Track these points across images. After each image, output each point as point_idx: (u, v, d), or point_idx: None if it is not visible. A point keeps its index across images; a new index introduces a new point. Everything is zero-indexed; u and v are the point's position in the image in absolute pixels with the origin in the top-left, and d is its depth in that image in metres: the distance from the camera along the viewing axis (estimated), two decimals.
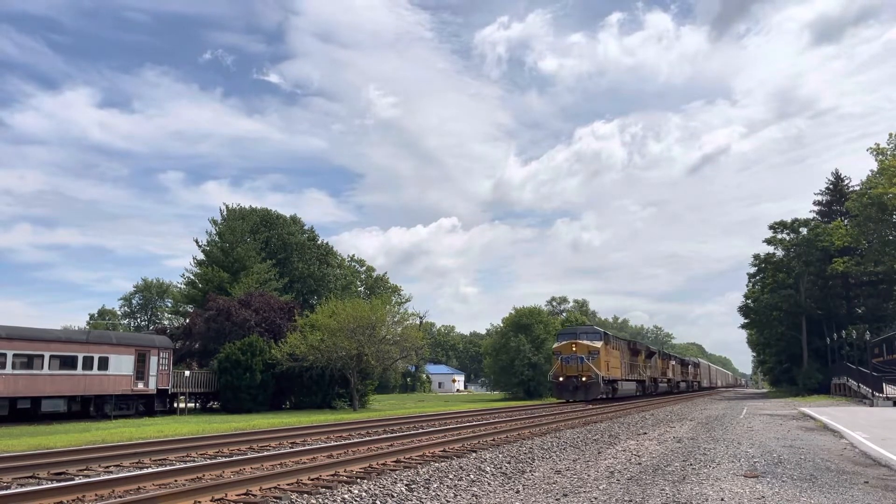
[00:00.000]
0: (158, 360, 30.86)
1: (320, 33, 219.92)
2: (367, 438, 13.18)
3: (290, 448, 11.60)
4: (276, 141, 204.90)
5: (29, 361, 25.68)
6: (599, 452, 11.88)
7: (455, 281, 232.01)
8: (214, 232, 50.54)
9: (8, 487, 7.51)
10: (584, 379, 36.10)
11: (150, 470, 8.57)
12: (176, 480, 8.05)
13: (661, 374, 55.73)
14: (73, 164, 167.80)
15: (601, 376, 36.74)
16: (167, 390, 31.57)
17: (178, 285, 56.37)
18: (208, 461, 9.61)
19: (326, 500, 7.12)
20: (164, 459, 10.05)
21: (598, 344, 38.14)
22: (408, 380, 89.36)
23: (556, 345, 40.86)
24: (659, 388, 53.72)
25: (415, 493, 7.59)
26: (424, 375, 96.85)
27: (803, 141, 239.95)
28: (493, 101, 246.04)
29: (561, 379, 36.82)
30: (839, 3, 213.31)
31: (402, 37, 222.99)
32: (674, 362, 65.28)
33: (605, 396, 38.62)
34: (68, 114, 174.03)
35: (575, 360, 36.95)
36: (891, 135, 49.77)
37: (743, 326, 73.70)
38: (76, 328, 66.44)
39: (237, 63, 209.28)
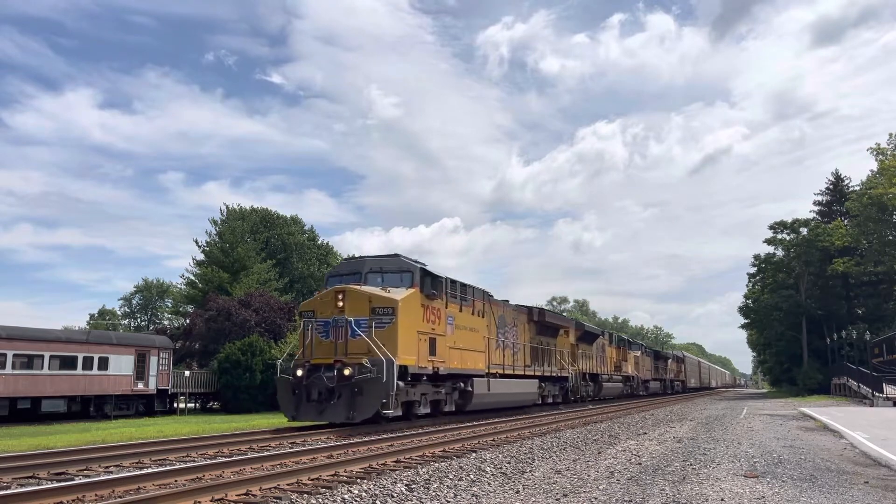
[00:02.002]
0: (158, 360, 30.88)
1: (323, 36, 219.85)
2: (367, 439, 13.19)
3: (290, 448, 11.60)
4: (277, 142, 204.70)
5: (29, 361, 25.69)
6: (599, 452, 11.88)
7: None
8: (214, 232, 50.56)
9: (8, 487, 7.51)
10: (346, 372, 15.88)
11: (150, 470, 8.57)
12: (176, 480, 8.05)
13: (611, 367, 40.08)
14: (74, 165, 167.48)
15: (409, 368, 17.09)
16: (167, 390, 31.58)
17: (179, 285, 56.36)
18: (208, 461, 9.61)
19: (326, 500, 7.12)
20: (164, 459, 10.05)
21: (407, 293, 17.40)
22: None
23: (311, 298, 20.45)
24: (605, 390, 37.13)
25: (415, 493, 7.59)
26: None
27: (802, 143, 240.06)
28: (493, 102, 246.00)
29: (299, 373, 16.39)
30: (840, 4, 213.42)
31: (404, 40, 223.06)
32: (638, 353, 48.35)
33: (424, 413, 18.39)
34: (70, 115, 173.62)
35: (338, 329, 16.62)
36: (891, 135, 49.82)
37: (743, 326, 73.81)
38: (77, 328, 66.43)
39: (239, 64, 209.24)
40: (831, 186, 63.47)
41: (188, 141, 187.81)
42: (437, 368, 18.23)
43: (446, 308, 19.11)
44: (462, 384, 19.93)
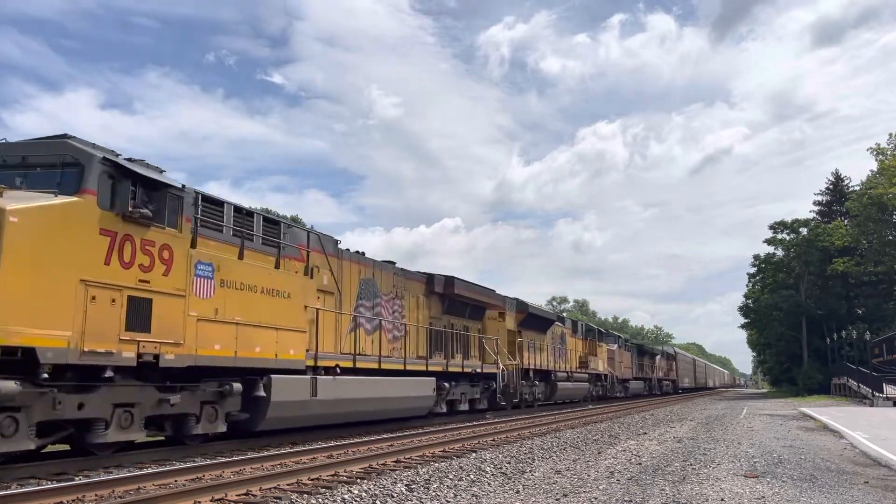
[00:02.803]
0: None
1: (324, 38, 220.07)
2: (367, 439, 13.18)
3: (290, 448, 11.59)
4: (277, 143, 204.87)
5: None
6: (599, 452, 11.88)
7: None
8: None
9: (8, 487, 7.50)
10: None
11: (150, 470, 8.56)
12: (176, 480, 8.04)
13: (574, 363, 32.43)
14: None
15: (42, 354, 8.17)
16: None
17: None
18: (208, 461, 9.60)
19: (326, 500, 7.12)
20: (165, 460, 10.04)
21: (50, 203, 8.63)
22: None
23: None
24: (561, 392, 29.20)
25: (415, 493, 7.59)
26: None
27: (801, 143, 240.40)
28: (493, 103, 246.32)
29: None
30: (841, 4, 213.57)
31: (404, 41, 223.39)
32: (614, 347, 40.28)
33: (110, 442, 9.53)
34: (70, 115, 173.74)
35: None
36: (891, 135, 49.87)
37: (743, 326, 73.78)
38: None
39: (239, 64, 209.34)
40: (831, 186, 63.47)
41: (189, 141, 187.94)
42: (157, 356, 9.83)
43: (194, 248, 10.77)
44: (237, 386, 11.34)
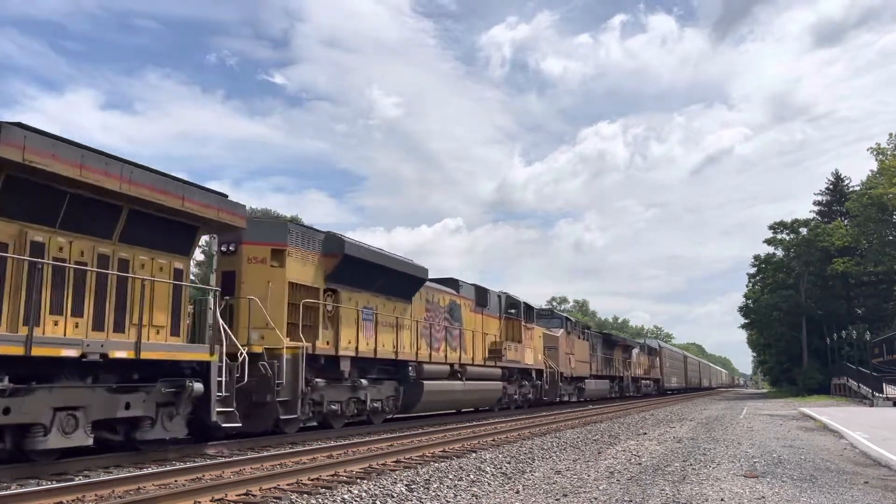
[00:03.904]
0: None
1: (325, 40, 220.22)
2: (367, 439, 13.18)
3: (290, 448, 11.60)
4: (278, 143, 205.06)
5: None
6: (599, 452, 11.88)
7: None
8: None
9: (8, 488, 7.50)
10: None
11: (150, 470, 8.56)
12: (176, 480, 8.05)
13: (477, 352, 21.58)
14: None
15: None
16: None
17: None
18: (208, 461, 9.60)
19: (326, 500, 7.12)
20: (165, 460, 10.04)
21: None
22: None
23: None
24: (424, 397, 17.63)
25: (415, 493, 7.59)
26: None
27: (800, 144, 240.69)
28: (494, 104, 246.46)
29: None
30: (842, 4, 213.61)
31: (406, 43, 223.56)
32: (559, 333, 29.86)
33: None
34: (71, 116, 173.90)
35: None
36: (891, 135, 49.86)
37: (743, 327, 73.75)
38: None
39: (240, 65, 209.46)
40: (831, 186, 63.51)
41: (189, 142, 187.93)
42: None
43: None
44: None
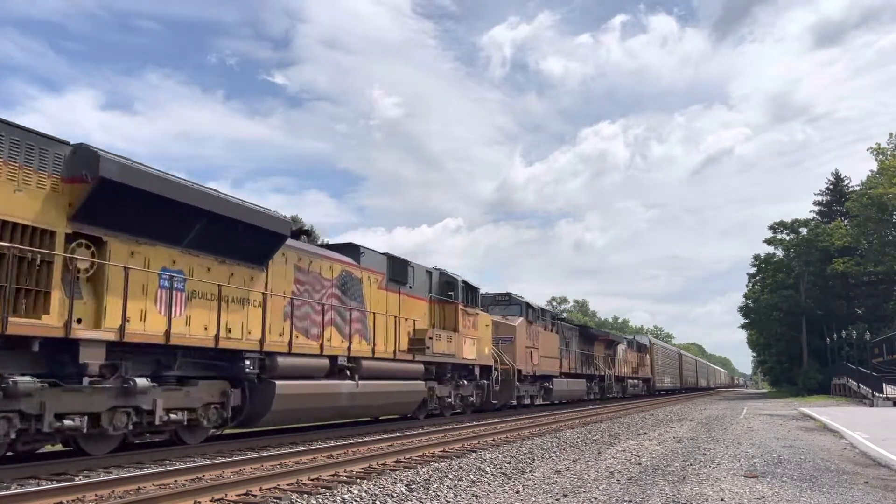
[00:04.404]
0: None
1: (326, 40, 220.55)
2: (367, 439, 13.19)
3: (290, 448, 11.59)
4: (278, 144, 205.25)
5: None
6: (599, 452, 11.88)
7: None
8: None
9: (8, 488, 7.51)
10: None
11: (150, 470, 8.56)
12: (176, 480, 8.05)
13: (387, 341, 16.10)
14: None
15: None
16: None
17: None
18: (208, 461, 9.60)
19: (326, 500, 7.12)
20: (165, 460, 10.04)
21: None
22: None
23: None
24: (274, 407, 12.04)
25: (415, 493, 7.59)
26: None
27: (799, 145, 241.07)
28: (494, 105, 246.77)
29: None
30: (842, 5, 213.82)
31: (406, 44, 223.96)
32: (516, 322, 24.71)
33: None
34: (71, 116, 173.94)
35: None
36: (891, 134, 49.90)
37: (743, 327, 73.78)
38: None
39: (241, 65, 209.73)
40: (831, 187, 63.55)
41: (190, 142, 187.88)
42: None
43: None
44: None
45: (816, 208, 63.44)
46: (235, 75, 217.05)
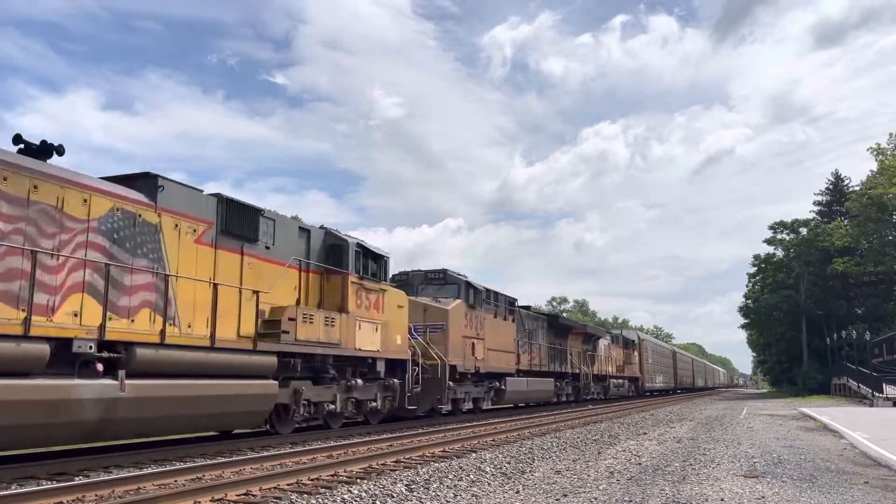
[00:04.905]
0: None
1: (327, 41, 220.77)
2: (367, 439, 13.19)
3: (290, 448, 11.60)
4: (279, 144, 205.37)
5: None
6: (599, 452, 11.88)
7: None
8: None
9: (8, 487, 7.51)
10: None
11: (150, 470, 8.56)
12: (176, 480, 8.05)
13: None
14: (76, 167, 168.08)
15: None
16: None
17: None
18: (208, 461, 9.60)
19: (326, 500, 7.12)
20: (165, 460, 10.04)
21: None
22: None
23: None
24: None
25: (415, 493, 7.59)
26: None
27: (799, 145, 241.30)
28: (494, 105, 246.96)
29: None
30: (843, 5, 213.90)
31: (407, 45, 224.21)
32: (450, 305, 19.36)
33: None
34: (72, 116, 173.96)
35: None
36: (891, 134, 49.91)
37: (743, 327, 73.81)
38: None
39: (241, 65, 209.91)
40: (831, 187, 63.57)
41: (190, 142, 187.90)
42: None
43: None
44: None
45: (816, 208, 63.52)
46: (236, 76, 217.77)
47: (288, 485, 7.95)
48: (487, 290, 22.42)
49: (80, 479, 7.93)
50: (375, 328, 15.46)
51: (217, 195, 11.93)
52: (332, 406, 14.13)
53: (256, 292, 12.02)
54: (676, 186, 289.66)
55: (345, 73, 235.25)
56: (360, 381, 14.89)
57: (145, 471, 8.48)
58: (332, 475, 8.72)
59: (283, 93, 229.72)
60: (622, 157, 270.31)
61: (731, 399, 51.39)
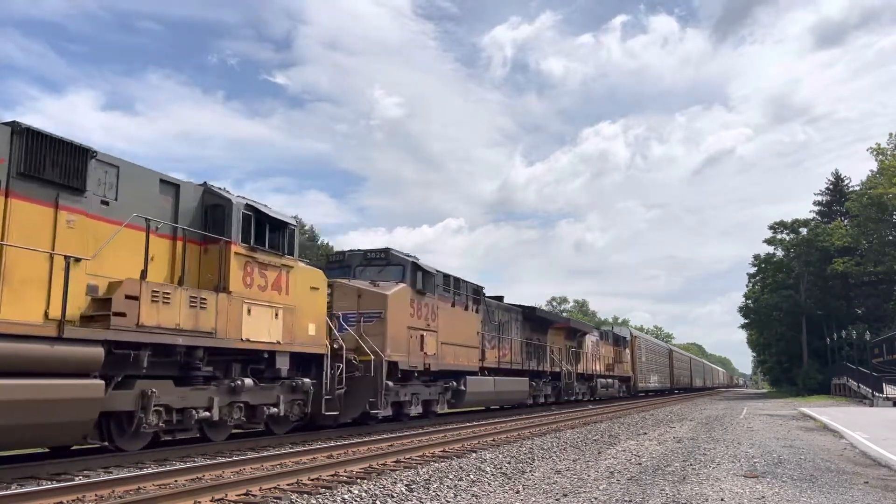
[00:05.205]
0: None
1: (328, 42, 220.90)
2: (367, 439, 13.18)
3: (290, 448, 11.60)
4: (279, 144, 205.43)
5: None
6: (599, 452, 11.88)
7: None
8: None
9: (8, 487, 7.50)
10: None
11: (150, 470, 8.56)
12: (176, 480, 8.04)
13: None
14: None
15: None
16: None
17: None
18: (208, 461, 9.60)
19: (326, 500, 7.12)
20: (165, 459, 10.04)
21: None
22: None
23: None
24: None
25: (415, 493, 7.59)
26: None
27: (799, 146, 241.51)
28: (495, 106, 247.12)
29: None
30: (843, 5, 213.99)
31: (407, 45, 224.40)
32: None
33: None
34: (72, 117, 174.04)
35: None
36: (891, 134, 49.91)
37: (743, 327, 73.84)
38: None
39: (241, 65, 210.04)
40: (831, 187, 63.57)
41: (190, 142, 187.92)
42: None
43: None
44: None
45: (816, 208, 63.52)
46: (236, 76, 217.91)
47: (288, 485, 7.95)
48: (445, 276, 19.13)
49: (80, 479, 7.92)
50: (275, 314, 12.17)
51: (13, 123, 8.64)
52: (205, 413, 10.85)
53: (71, 259, 8.71)
54: (676, 186, 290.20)
55: (345, 73, 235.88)
56: (249, 381, 11.67)
57: (145, 471, 8.47)
58: (332, 475, 8.72)
59: (284, 93, 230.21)
60: (622, 157, 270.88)
61: (731, 399, 51.38)
